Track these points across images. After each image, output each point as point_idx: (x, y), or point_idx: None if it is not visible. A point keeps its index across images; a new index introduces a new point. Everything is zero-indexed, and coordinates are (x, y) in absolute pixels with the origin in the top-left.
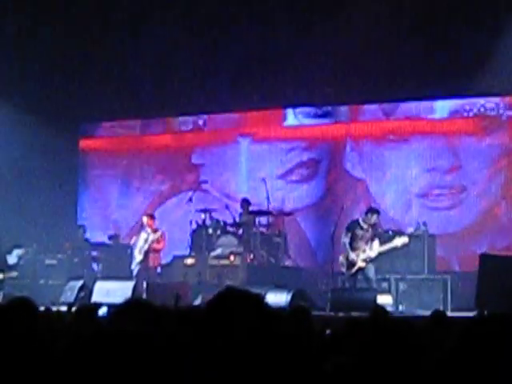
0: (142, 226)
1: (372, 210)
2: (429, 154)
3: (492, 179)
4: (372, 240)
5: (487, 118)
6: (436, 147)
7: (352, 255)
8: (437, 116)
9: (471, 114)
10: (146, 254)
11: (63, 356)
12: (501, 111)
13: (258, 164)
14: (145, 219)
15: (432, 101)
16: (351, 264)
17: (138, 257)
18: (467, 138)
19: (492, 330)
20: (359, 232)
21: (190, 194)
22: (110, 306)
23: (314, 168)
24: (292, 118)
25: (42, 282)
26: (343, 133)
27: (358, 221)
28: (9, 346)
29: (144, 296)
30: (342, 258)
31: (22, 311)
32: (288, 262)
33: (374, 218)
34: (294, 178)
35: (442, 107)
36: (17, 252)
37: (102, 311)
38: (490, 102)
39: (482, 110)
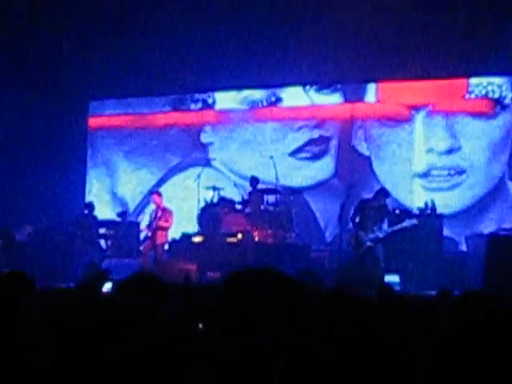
0: (148, 203)
1: (383, 192)
2: (428, 135)
3: (496, 160)
4: (381, 220)
5: (490, 99)
6: (435, 127)
7: (361, 235)
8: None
9: (473, 96)
10: (154, 231)
11: (65, 329)
12: (504, 93)
13: (267, 141)
14: (152, 196)
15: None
16: (360, 243)
17: (145, 233)
18: (467, 119)
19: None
20: (368, 212)
21: (199, 170)
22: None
23: (325, 145)
24: (303, 95)
25: (50, 259)
26: (351, 111)
27: (367, 201)
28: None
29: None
30: (350, 238)
31: (16, 284)
32: (296, 241)
33: (383, 200)
34: (304, 155)
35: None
36: (25, 228)
37: (107, 287)
38: (492, 85)
39: (484, 91)
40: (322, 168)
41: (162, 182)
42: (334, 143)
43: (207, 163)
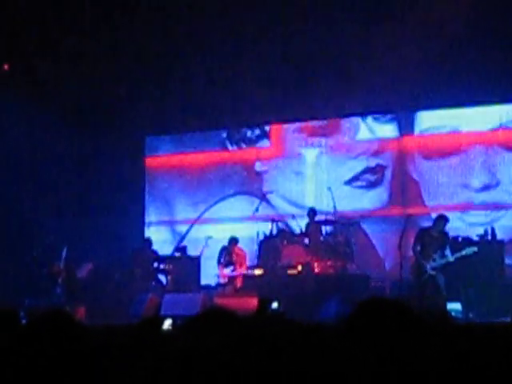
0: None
1: (441, 217)
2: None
3: None
4: (442, 248)
5: None
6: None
7: (423, 263)
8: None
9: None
10: (235, 276)
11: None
12: None
13: (323, 171)
14: (229, 242)
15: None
16: (422, 272)
17: (223, 272)
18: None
19: None
20: (429, 240)
21: (257, 204)
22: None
23: (380, 174)
24: (364, 128)
25: (110, 295)
26: (405, 142)
27: (427, 229)
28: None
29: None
30: (412, 266)
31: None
32: (356, 271)
33: (442, 225)
34: (359, 183)
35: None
36: (86, 265)
37: (168, 324)
38: None
39: None
40: (378, 196)
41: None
42: (389, 170)
43: (264, 196)
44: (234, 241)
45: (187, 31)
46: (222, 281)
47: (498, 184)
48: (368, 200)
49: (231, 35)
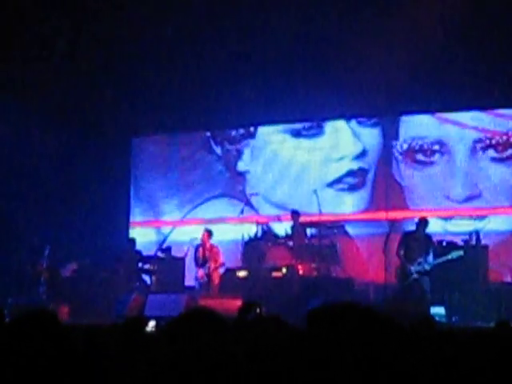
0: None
1: (422, 221)
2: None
3: None
4: (426, 252)
5: None
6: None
7: (407, 267)
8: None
9: None
10: (210, 271)
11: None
12: None
13: (306, 173)
14: (202, 235)
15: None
16: (406, 276)
17: (200, 273)
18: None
19: None
20: (413, 244)
21: (242, 206)
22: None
23: (363, 177)
24: (348, 131)
25: (94, 294)
26: (392, 147)
27: (411, 233)
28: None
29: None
30: (396, 270)
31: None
32: (340, 274)
33: (423, 228)
34: (341, 186)
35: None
36: (70, 265)
37: (151, 326)
38: None
39: None
40: (362, 198)
41: (205, 216)
42: (371, 175)
43: (247, 202)
44: (207, 232)
45: (172, 32)
46: (202, 281)
47: (480, 195)
48: (350, 203)
49: (216, 36)
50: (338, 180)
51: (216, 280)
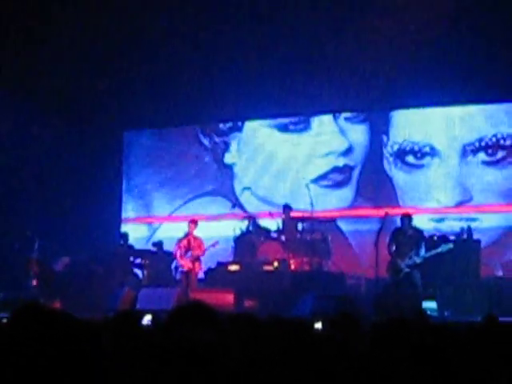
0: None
1: (404, 216)
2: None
3: None
4: (417, 246)
5: None
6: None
7: (398, 261)
8: None
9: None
10: (192, 261)
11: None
12: None
13: (292, 168)
14: (188, 225)
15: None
16: (397, 270)
17: (182, 262)
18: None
19: None
20: (403, 239)
21: (234, 200)
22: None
23: (348, 174)
24: (335, 127)
25: (87, 289)
26: (380, 144)
27: (401, 228)
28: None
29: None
30: (388, 265)
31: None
32: (332, 268)
33: (407, 223)
34: (326, 182)
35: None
36: (63, 260)
37: (147, 319)
38: None
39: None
40: (350, 193)
41: (197, 210)
42: (357, 172)
43: (237, 199)
44: (192, 222)
45: (164, 27)
46: (185, 269)
47: (471, 199)
48: (334, 199)
49: (206, 32)
50: (323, 176)
51: (197, 268)
